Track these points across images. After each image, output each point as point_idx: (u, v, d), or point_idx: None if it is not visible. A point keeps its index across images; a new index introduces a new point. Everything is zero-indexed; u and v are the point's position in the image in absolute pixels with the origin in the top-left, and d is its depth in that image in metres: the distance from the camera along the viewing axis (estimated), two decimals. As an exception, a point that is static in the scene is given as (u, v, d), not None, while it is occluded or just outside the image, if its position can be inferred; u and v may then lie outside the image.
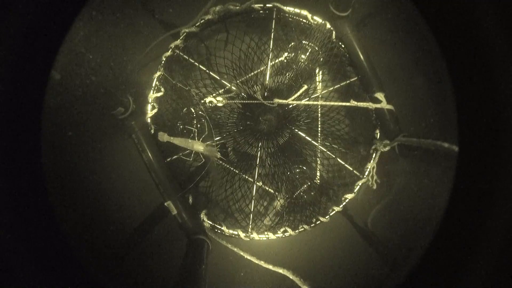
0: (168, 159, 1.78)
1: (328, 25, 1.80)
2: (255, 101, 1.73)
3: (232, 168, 1.89)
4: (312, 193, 1.88)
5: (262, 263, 1.73)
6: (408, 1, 1.26)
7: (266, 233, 1.84)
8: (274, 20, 1.85)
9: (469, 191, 1.04)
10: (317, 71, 1.92)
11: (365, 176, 1.86)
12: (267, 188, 1.93)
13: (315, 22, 1.82)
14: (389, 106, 1.73)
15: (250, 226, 1.85)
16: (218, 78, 1.87)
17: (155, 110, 1.78)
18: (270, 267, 1.72)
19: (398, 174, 1.85)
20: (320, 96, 1.90)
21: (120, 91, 1.65)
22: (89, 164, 1.71)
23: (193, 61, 1.86)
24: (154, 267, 1.78)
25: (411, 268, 1.13)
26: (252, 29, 1.87)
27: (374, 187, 1.85)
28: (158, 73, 1.78)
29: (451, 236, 1.07)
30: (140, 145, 1.65)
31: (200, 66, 1.84)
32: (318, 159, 1.96)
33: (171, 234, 1.83)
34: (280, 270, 1.72)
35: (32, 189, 1.08)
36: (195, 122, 1.76)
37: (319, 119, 1.94)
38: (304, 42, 1.81)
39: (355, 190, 1.86)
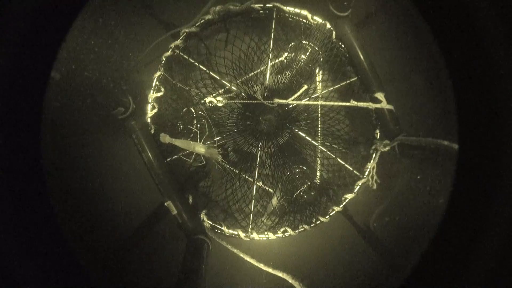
0: (168, 159, 1.78)
1: (328, 25, 1.80)
2: (255, 101, 1.73)
3: (232, 169, 1.89)
4: (312, 193, 1.88)
5: (261, 266, 1.72)
6: (408, 1, 1.26)
7: (266, 233, 1.84)
8: (274, 20, 1.85)
9: (469, 191, 1.04)
10: (317, 71, 1.92)
11: (365, 176, 1.86)
12: (267, 188, 1.93)
13: (315, 22, 1.82)
14: (389, 106, 1.73)
15: (250, 226, 1.85)
16: (218, 78, 1.87)
17: (155, 110, 1.78)
18: (270, 270, 1.71)
19: (398, 174, 1.84)
20: (320, 96, 1.89)
21: (120, 91, 1.65)
22: (89, 164, 1.71)
23: (193, 61, 1.86)
24: (154, 267, 1.78)
25: (411, 268, 1.13)
26: (252, 29, 1.87)
27: (374, 187, 1.85)
28: (158, 73, 1.78)
29: (451, 236, 1.07)
30: (140, 145, 1.65)
31: (200, 66, 1.84)
32: (318, 159, 1.96)
33: (171, 234, 1.83)
34: (280, 274, 1.70)
35: (32, 189, 1.08)
36: (195, 122, 1.76)
37: (319, 119, 1.94)
38: (304, 42, 1.81)
39: (355, 190, 1.86)
